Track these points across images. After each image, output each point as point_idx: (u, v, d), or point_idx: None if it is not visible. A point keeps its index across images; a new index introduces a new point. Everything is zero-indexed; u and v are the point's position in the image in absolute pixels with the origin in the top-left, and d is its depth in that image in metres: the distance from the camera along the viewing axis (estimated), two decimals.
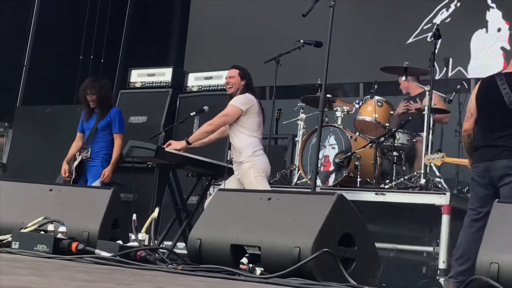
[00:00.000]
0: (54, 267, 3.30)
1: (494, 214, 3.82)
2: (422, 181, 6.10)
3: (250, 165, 5.73)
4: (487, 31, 8.63)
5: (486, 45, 8.59)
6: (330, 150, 6.55)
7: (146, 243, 4.28)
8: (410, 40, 9.04)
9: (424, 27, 8.94)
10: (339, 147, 6.51)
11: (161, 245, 5.55)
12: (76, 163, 6.74)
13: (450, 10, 8.87)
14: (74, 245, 4.24)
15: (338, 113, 6.79)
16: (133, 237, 4.37)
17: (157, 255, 4.21)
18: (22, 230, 4.45)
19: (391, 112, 6.77)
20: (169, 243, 6.09)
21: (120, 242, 4.29)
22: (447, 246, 5.63)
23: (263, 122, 6.02)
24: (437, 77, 7.79)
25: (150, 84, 8.28)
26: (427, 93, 6.35)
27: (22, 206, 4.91)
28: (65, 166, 6.80)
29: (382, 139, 6.43)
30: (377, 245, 4.48)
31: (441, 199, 5.78)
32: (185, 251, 4.87)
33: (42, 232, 4.39)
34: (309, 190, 5.56)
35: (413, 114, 6.74)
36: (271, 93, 7.90)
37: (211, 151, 6.57)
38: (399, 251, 6.60)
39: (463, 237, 4.99)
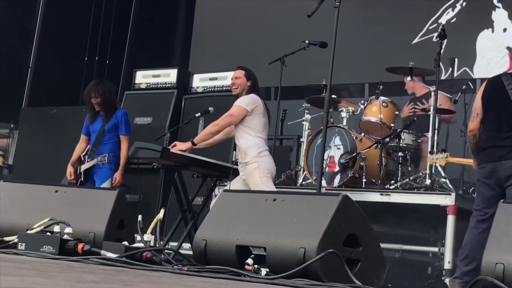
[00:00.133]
0: (60, 268, 3.31)
1: (500, 214, 3.82)
2: (428, 181, 6.09)
3: (255, 166, 5.73)
4: (493, 31, 8.62)
5: (492, 45, 8.58)
6: (335, 151, 6.54)
7: (151, 244, 4.28)
8: (415, 40, 9.03)
9: (430, 27, 8.93)
10: (344, 148, 6.50)
11: (166, 246, 5.56)
12: (86, 166, 6.73)
13: (456, 10, 8.86)
14: (80, 246, 4.25)
15: (343, 114, 6.79)
16: (138, 238, 4.38)
17: (162, 256, 4.22)
18: (28, 231, 4.46)
19: (397, 112, 6.76)
20: (175, 244, 6.10)
21: (125, 243, 4.30)
22: (453, 246, 5.62)
23: (269, 122, 6.01)
24: (442, 78, 7.78)
25: (155, 85, 8.28)
26: (433, 93, 6.34)
27: (28, 207, 4.92)
28: (70, 169, 6.82)
29: (388, 139, 6.43)
30: (382, 245, 4.48)
31: (447, 200, 5.77)
32: (190, 252, 4.87)
33: (48, 233, 4.40)
34: (314, 190, 5.56)
35: (421, 115, 6.72)
36: (276, 94, 7.91)
37: (216, 152, 6.57)
38: (404, 251, 6.59)
39: (469, 238, 4.98)
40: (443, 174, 6.27)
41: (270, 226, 4.10)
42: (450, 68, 7.66)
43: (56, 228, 4.39)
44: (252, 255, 3.99)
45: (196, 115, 6.56)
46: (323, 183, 6.20)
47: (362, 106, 6.81)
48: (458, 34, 8.35)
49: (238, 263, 4.00)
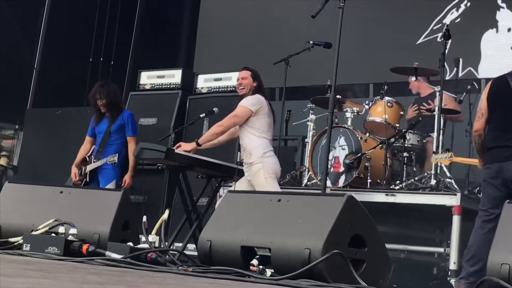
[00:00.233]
0: (65, 269, 3.31)
1: (505, 215, 3.81)
2: (433, 181, 6.08)
3: (260, 167, 5.73)
4: (497, 31, 8.60)
5: (497, 45, 8.56)
6: (340, 151, 6.54)
7: (156, 245, 4.29)
8: (420, 41, 9.01)
9: (434, 28, 8.91)
10: (349, 148, 6.50)
11: (171, 247, 5.56)
12: (92, 167, 6.74)
13: (460, 10, 8.84)
14: (84, 247, 4.26)
15: (348, 114, 6.78)
16: (143, 239, 4.38)
17: (167, 257, 4.22)
18: (33, 232, 4.47)
19: (401, 112, 6.75)
20: (179, 244, 6.10)
21: (130, 244, 4.30)
22: (458, 247, 5.61)
23: (273, 123, 6.01)
24: (447, 78, 7.76)
25: (160, 86, 8.29)
26: (438, 93, 6.33)
27: (33, 208, 4.93)
28: (74, 170, 6.83)
29: (392, 140, 6.42)
30: (388, 246, 4.48)
31: (452, 200, 5.76)
32: (195, 253, 4.87)
33: (53, 234, 4.41)
34: (319, 191, 5.55)
35: (426, 115, 6.70)
36: (280, 94, 7.92)
37: (221, 152, 6.58)
38: (409, 252, 6.58)
39: (474, 238, 4.97)
40: (448, 174, 6.26)
41: (275, 227, 4.10)
42: (455, 68, 7.65)
43: (61, 229, 4.40)
44: (257, 256, 3.99)
45: (201, 115, 6.55)
46: (328, 183, 6.20)
47: (366, 107, 6.80)
48: (463, 34, 8.33)
49: (243, 264, 4.00)
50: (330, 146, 5.60)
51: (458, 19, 8.83)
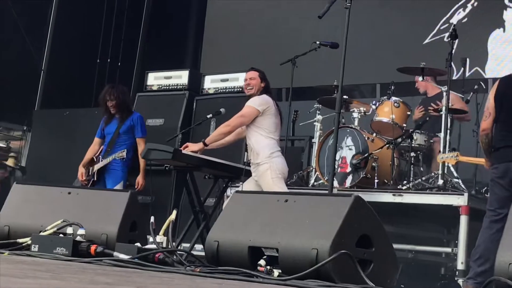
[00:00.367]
0: (73, 270, 3.32)
1: None
2: (440, 181, 6.07)
3: (267, 167, 5.73)
4: (504, 30, 8.58)
5: (504, 44, 8.54)
6: (347, 151, 6.54)
7: (164, 245, 4.30)
8: (426, 41, 9.00)
9: (441, 27, 8.90)
10: (356, 148, 6.49)
11: (179, 247, 5.57)
12: (100, 165, 6.77)
13: (467, 10, 8.82)
14: (93, 247, 4.27)
15: (355, 114, 6.78)
16: (151, 239, 4.39)
17: (175, 257, 4.23)
18: (42, 233, 4.49)
19: (408, 112, 6.75)
20: (187, 245, 6.11)
21: (138, 244, 4.32)
22: (466, 247, 5.60)
23: (280, 123, 6.01)
24: (454, 78, 7.75)
25: (167, 87, 8.31)
26: (445, 93, 6.32)
27: (41, 209, 4.95)
28: (81, 170, 6.86)
29: (399, 140, 6.41)
30: (395, 246, 4.48)
31: (459, 200, 5.75)
32: (203, 253, 4.88)
33: (61, 235, 4.42)
34: (326, 191, 5.56)
35: (435, 116, 6.67)
36: (287, 95, 7.92)
37: (228, 153, 6.58)
38: (417, 252, 6.58)
39: (482, 238, 4.96)
40: (455, 174, 6.25)
41: (282, 227, 4.10)
42: (462, 68, 7.64)
43: (69, 230, 4.42)
44: (265, 256, 4.00)
45: (208, 116, 6.56)
46: (335, 183, 6.20)
47: (373, 107, 6.80)
48: (470, 34, 8.32)
49: (250, 264, 4.01)
50: (337, 146, 5.61)
51: (465, 19, 8.81)
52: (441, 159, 6.05)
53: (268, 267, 3.88)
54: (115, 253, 4.20)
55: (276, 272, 3.84)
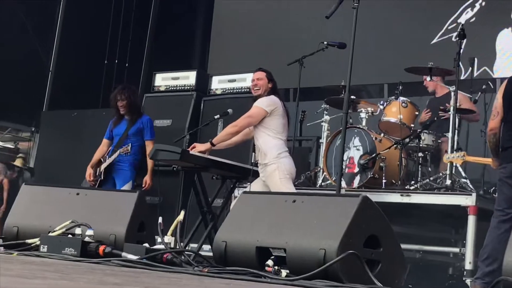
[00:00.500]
0: (82, 271, 3.33)
1: None
2: (448, 182, 6.06)
3: (275, 167, 5.73)
4: None
5: None
6: (354, 152, 6.53)
7: (172, 245, 4.30)
8: (434, 40, 8.99)
9: (449, 27, 8.89)
10: (363, 149, 6.49)
11: (187, 248, 5.58)
12: (106, 164, 6.80)
13: (475, 9, 8.81)
14: (101, 248, 4.28)
15: (363, 115, 6.78)
16: (159, 240, 4.40)
17: (183, 257, 4.23)
18: (50, 234, 4.50)
19: (416, 113, 6.73)
20: (195, 245, 6.12)
21: (146, 245, 4.33)
22: (474, 247, 5.59)
23: (288, 124, 6.01)
24: (462, 77, 7.74)
25: (175, 88, 8.32)
26: (453, 93, 6.31)
27: (49, 210, 4.96)
28: (89, 170, 6.88)
29: (407, 140, 6.40)
30: (403, 246, 4.47)
31: (467, 200, 5.74)
32: (210, 254, 4.89)
33: (69, 236, 4.44)
34: (334, 192, 5.55)
35: (445, 118, 6.64)
36: (295, 95, 7.92)
37: (236, 153, 6.59)
38: (425, 252, 6.57)
39: (490, 238, 4.95)
40: (463, 174, 6.24)
41: (290, 228, 4.10)
42: (470, 68, 7.62)
43: (78, 231, 4.43)
44: (272, 257, 4.00)
45: (215, 117, 6.57)
46: (343, 184, 6.20)
47: (381, 107, 6.79)
48: (478, 33, 8.30)
49: (258, 265, 4.01)
50: (344, 146, 5.60)
51: (473, 19, 8.80)
52: (448, 159, 6.04)
53: (276, 267, 3.88)
54: (124, 254, 4.21)
55: (284, 272, 3.84)
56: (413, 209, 6.20)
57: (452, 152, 6.12)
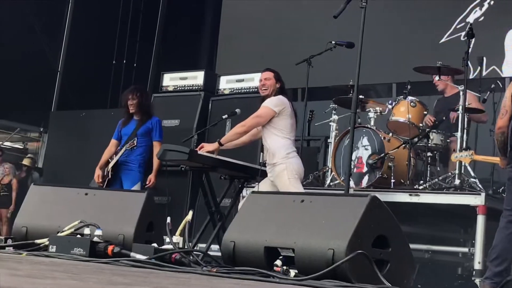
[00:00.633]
0: (91, 271, 3.34)
1: None
2: (457, 181, 6.05)
3: (283, 167, 5.73)
4: None
5: None
6: (363, 151, 6.52)
7: (180, 245, 4.31)
8: (443, 40, 8.97)
9: (457, 26, 8.87)
10: (372, 148, 6.48)
11: (195, 248, 5.59)
12: (113, 162, 6.82)
13: (484, 8, 8.78)
14: (110, 248, 4.29)
15: (371, 114, 6.76)
16: (167, 239, 4.41)
17: (191, 257, 4.24)
18: (59, 234, 4.51)
19: (425, 112, 6.71)
20: (203, 245, 6.12)
21: (155, 244, 4.33)
22: (483, 246, 5.57)
23: (296, 124, 6.01)
24: (471, 77, 7.71)
25: (183, 88, 8.33)
26: (461, 92, 6.29)
27: (58, 210, 4.97)
28: (98, 172, 6.89)
29: (416, 139, 6.39)
30: (412, 246, 4.46)
31: (476, 200, 5.73)
32: (219, 254, 4.89)
33: (78, 236, 4.45)
34: (342, 191, 5.55)
35: (454, 122, 6.62)
36: (303, 95, 7.91)
37: (244, 153, 6.59)
38: (434, 252, 6.55)
39: (499, 238, 4.93)
40: (472, 174, 6.22)
41: (299, 228, 4.10)
42: (479, 67, 7.60)
43: (86, 231, 4.44)
44: (281, 257, 4.00)
45: (223, 117, 6.57)
46: (351, 184, 6.18)
47: (390, 106, 6.78)
48: (486, 32, 8.27)
49: (266, 265, 4.01)
50: (353, 146, 5.59)
51: (482, 18, 8.77)
52: (456, 158, 6.02)
53: (285, 267, 3.88)
54: (132, 254, 4.21)
55: (292, 272, 3.84)
56: (422, 209, 6.19)
57: (460, 151, 6.10)
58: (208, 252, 5.32)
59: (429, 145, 6.44)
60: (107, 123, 7.76)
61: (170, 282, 3.13)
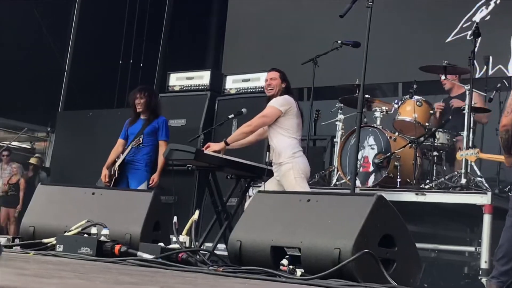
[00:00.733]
0: (98, 270, 3.35)
1: None
2: (463, 180, 6.04)
3: (289, 167, 5.73)
4: None
5: None
6: (369, 151, 6.52)
7: (187, 245, 4.32)
8: (449, 39, 8.96)
9: (464, 26, 8.85)
10: (378, 148, 6.48)
11: (201, 247, 5.60)
12: (120, 161, 6.83)
13: (490, 7, 8.77)
14: (117, 247, 4.30)
15: (377, 114, 6.76)
16: (174, 239, 4.42)
17: (198, 257, 4.25)
18: (66, 233, 4.53)
19: (431, 111, 6.71)
20: (210, 245, 6.13)
21: (161, 244, 4.34)
22: (489, 246, 5.57)
23: (302, 123, 6.02)
24: (477, 76, 7.70)
25: (189, 88, 8.34)
26: (467, 91, 6.28)
27: (65, 210, 4.99)
28: (105, 172, 6.90)
29: (422, 139, 6.38)
30: (418, 245, 4.47)
31: (483, 199, 5.72)
32: (225, 253, 4.90)
33: (85, 235, 4.46)
34: (349, 191, 5.55)
35: (457, 113, 6.61)
36: (309, 94, 7.92)
37: (250, 153, 6.59)
38: (440, 251, 6.55)
39: (506, 237, 4.92)
40: (478, 173, 6.21)
41: (305, 227, 4.11)
42: (485, 66, 7.59)
43: (93, 230, 4.45)
44: (287, 256, 4.01)
45: (230, 116, 6.58)
46: (357, 183, 6.19)
47: (396, 106, 6.77)
48: (492, 31, 8.26)
49: (273, 264, 4.02)
50: (359, 145, 5.60)
51: (488, 17, 8.76)
52: (461, 156, 6.02)
53: (291, 266, 3.89)
54: (139, 253, 4.22)
55: (298, 272, 3.85)
56: (428, 208, 6.18)
57: (466, 149, 6.09)
58: (215, 252, 5.33)
59: (435, 144, 6.44)
60: (114, 123, 7.77)
61: (176, 281, 3.14)
